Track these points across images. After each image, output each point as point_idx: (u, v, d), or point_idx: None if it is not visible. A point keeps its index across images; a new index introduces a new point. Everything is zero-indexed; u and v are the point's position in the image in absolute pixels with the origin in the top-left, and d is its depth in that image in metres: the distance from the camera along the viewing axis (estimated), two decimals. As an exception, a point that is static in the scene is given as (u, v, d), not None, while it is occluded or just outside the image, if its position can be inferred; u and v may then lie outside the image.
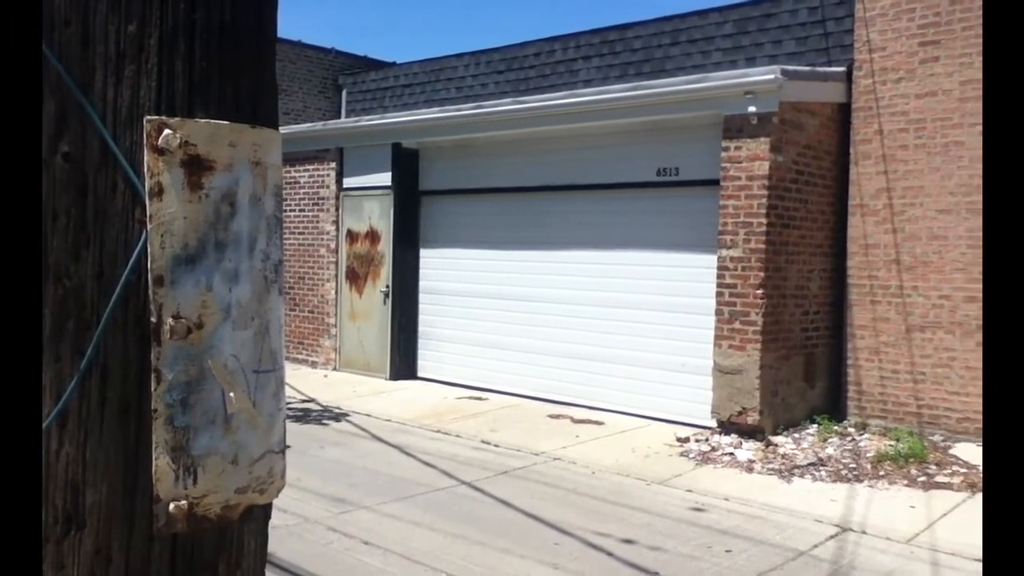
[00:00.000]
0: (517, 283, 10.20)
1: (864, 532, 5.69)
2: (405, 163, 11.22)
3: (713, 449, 7.71)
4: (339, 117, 15.37)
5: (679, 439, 8.07)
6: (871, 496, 6.47)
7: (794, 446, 7.75)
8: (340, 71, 16.20)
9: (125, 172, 1.21)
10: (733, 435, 7.98)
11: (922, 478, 6.86)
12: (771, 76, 7.67)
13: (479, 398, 10.08)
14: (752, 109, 7.79)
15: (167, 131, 1.20)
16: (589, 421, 8.89)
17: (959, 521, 5.91)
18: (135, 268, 1.21)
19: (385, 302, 11.26)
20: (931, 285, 8.21)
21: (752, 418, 7.89)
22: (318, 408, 9.45)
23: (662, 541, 5.46)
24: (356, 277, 11.73)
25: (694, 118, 8.39)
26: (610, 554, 5.21)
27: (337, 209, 11.93)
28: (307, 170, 12.31)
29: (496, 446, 7.93)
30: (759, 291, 7.88)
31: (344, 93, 15.68)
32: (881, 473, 6.99)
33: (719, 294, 8.12)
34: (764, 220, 7.84)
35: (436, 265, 11.15)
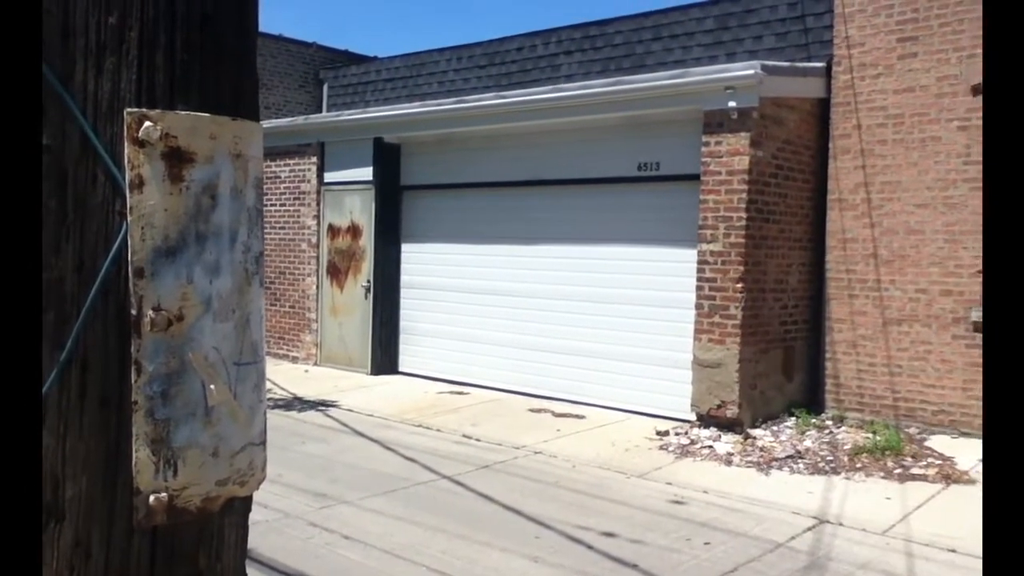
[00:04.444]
0: (499, 278, 10.21)
1: (841, 524, 5.75)
2: (387, 158, 11.19)
3: (692, 442, 7.76)
4: (320, 111, 15.29)
5: (659, 432, 8.11)
6: (848, 488, 6.54)
7: (772, 439, 7.82)
8: (321, 65, 16.11)
9: (105, 164, 1.21)
10: (712, 428, 8.04)
11: (898, 470, 6.94)
12: (751, 71, 7.71)
13: (460, 393, 10.09)
14: (732, 104, 7.83)
15: (148, 123, 1.20)
16: (570, 415, 8.92)
17: (934, 512, 5.99)
18: (115, 260, 1.21)
19: (366, 297, 11.24)
20: (908, 279, 8.29)
21: (731, 411, 7.95)
22: (299, 403, 9.42)
23: (642, 534, 5.49)
24: (337, 272, 11.69)
25: (675, 113, 8.43)
26: (590, 547, 5.24)
27: (318, 204, 11.88)
28: (288, 164, 12.25)
29: (477, 440, 7.95)
30: (738, 285, 7.94)
31: (325, 87, 15.59)
32: (858, 465, 7.07)
33: (699, 288, 8.17)
34: (744, 214, 7.89)
35: (417, 260, 11.14)
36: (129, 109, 1.20)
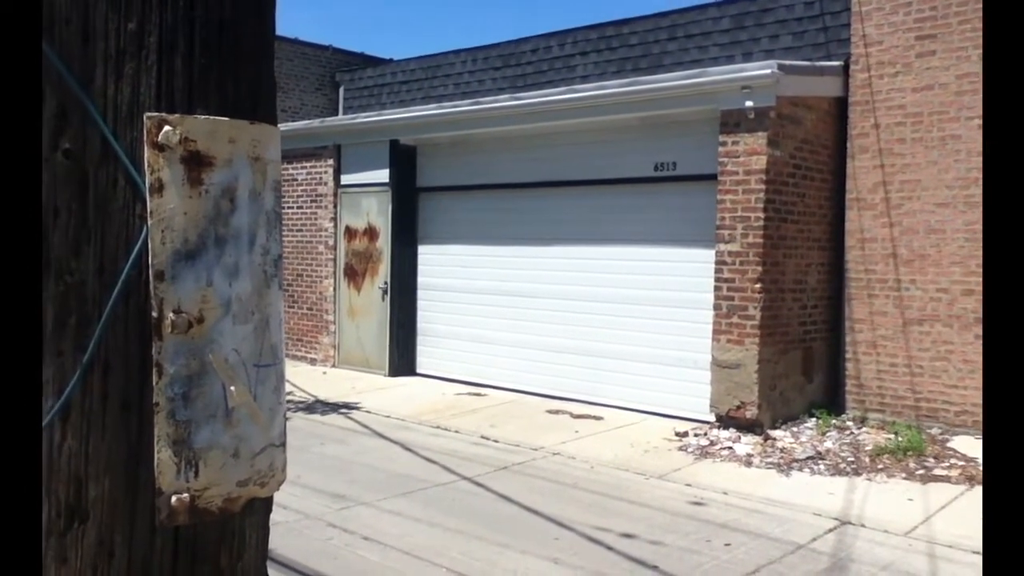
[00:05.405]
0: (515, 279, 10.21)
1: (862, 525, 5.70)
2: (403, 160, 11.22)
3: (712, 443, 7.72)
4: (336, 114, 15.35)
5: (678, 433, 8.08)
6: (869, 489, 6.49)
7: (792, 440, 7.77)
8: (337, 68, 16.17)
9: (126, 168, 1.22)
10: (732, 429, 8.00)
11: (920, 471, 6.88)
12: (768, 71, 7.67)
13: (478, 394, 10.09)
14: (749, 104, 7.79)
15: (167, 127, 1.21)
16: (588, 416, 8.90)
17: (957, 514, 5.93)
18: (136, 264, 1.22)
19: (383, 298, 11.27)
20: (929, 278, 8.22)
21: (750, 412, 7.91)
22: (318, 405, 9.46)
23: (661, 535, 5.47)
24: (354, 274, 11.73)
25: (691, 113, 8.40)
26: (609, 548, 5.23)
27: (335, 206, 11.93)
28: (305, 167, 12.30)
29: (495, 442, 7.95)
30: (757, 285, 7.90)
31: (341, 90, 15.66)
32: (879, 466, 7.01)
33: (717, 288, 8.13)
34: (762, 214, 7.85)
35: (434, 261, 11.16)
36: (149, 113, 1.21)
